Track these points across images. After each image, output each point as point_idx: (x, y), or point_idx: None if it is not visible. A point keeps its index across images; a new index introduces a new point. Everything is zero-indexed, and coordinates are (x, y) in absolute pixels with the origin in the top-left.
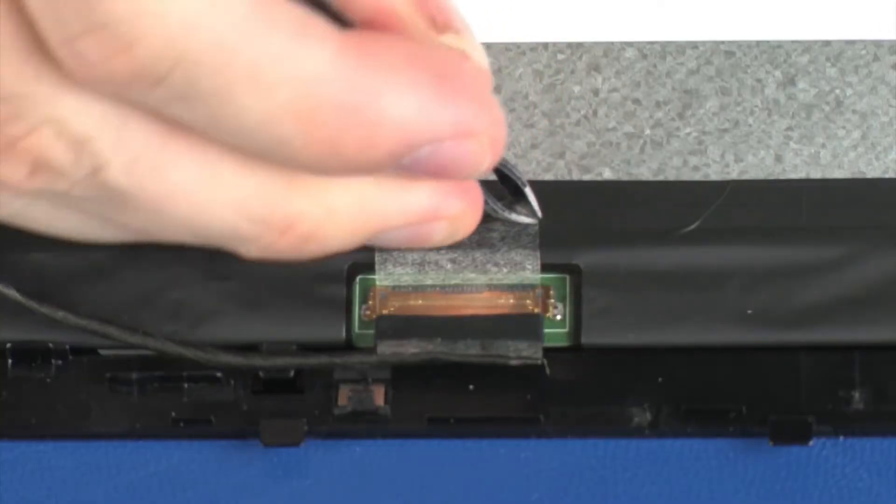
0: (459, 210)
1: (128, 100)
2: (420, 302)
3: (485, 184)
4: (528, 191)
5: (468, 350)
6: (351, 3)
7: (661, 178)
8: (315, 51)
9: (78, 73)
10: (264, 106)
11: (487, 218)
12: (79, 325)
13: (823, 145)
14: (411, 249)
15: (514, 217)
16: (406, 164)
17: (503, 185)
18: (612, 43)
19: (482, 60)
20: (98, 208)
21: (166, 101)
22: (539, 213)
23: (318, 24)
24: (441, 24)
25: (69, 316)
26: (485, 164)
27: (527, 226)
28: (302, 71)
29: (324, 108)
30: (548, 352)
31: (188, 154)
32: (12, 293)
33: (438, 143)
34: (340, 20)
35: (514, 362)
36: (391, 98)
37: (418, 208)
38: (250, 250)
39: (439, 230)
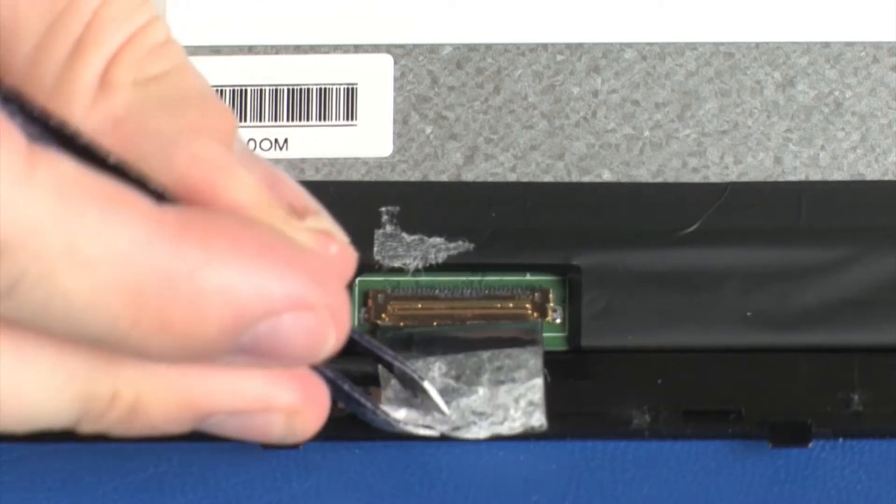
0: (293, 402)
1: None
2: (419, 305)
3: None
4: (428, 385)
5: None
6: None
7: (660, 179)
8: (128, 225)
9: None
10: (90, 287)
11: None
12: None
13: (823, 147)
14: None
15: (422, 431)
16: (247, 345)
17: (402, 386)
18: (612, 44)
19: (343, 238)
20: None
21: None
22: (446, 410)
23: (131, 199)
24: (300, 208)
25: None
26: (329, 341)
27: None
28: (118, 247)
29: (144, 282)
30: (547, 353)
31: (5, 354)
32: None
33: (276, 317)
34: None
35: None
36: (213, 268)
37: (248, 395)
38: (83, 427)
39: (275, 424)
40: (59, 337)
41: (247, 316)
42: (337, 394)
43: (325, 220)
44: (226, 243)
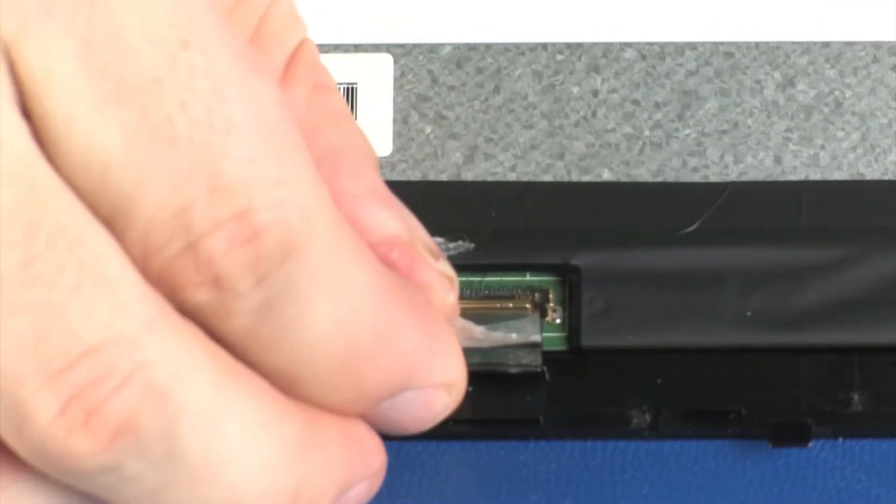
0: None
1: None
2: None
3: None
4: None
5: (467, 359)
6: (368, 234)
7: (660, 179)
8: (367, 269)
9: None
10: (333, 315)
11: None
12: None
13: (822, 147)
14: None
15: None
16: (387, 408)
17: None
18: (612, 44)
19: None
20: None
21: (266, 307)
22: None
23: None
24: (434, 252)
25: None
26: (443, 416)
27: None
28: (355, 284)
29: (364, 332)
30: (547, 353)
31: (242, 401)
32: None
33: (421, 388)
34: None
35: (513, 370)
36: (406, 332)
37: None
38: None
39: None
40: (266, 373)
41: (412, 380)
42: None
43: (448, 265)
44: (417, 312)
